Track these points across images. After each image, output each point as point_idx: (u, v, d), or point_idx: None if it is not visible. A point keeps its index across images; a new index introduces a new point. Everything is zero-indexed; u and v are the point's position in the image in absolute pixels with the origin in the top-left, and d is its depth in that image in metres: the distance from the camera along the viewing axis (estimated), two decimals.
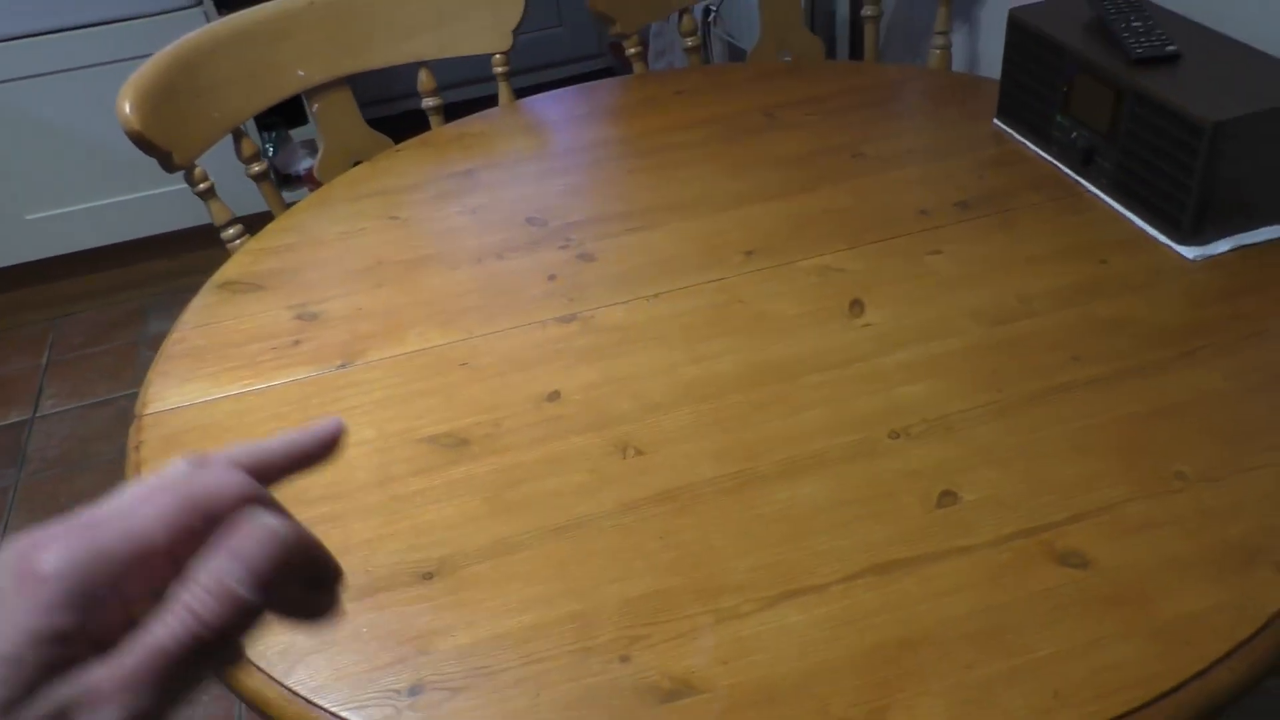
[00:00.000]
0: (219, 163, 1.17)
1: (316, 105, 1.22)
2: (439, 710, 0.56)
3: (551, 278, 0.93)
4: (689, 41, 1.40)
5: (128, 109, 1.01)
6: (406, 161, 1.15)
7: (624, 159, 1.12)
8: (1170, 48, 0.91)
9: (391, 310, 0.91)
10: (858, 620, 0.60)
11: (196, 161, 1.09)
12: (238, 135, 1.15)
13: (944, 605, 0.60)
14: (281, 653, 0.61)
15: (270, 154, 2.21)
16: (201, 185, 1.09)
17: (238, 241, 1.12)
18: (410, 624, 0.62)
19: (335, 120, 1.23)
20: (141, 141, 1.01)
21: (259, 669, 0.60)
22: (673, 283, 0.91)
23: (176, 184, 1.97)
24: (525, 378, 0.81)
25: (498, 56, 1.29)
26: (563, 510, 0.69)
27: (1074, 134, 0.98)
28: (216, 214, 1.11)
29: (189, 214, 2.10)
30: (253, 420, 0.80)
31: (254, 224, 1.14)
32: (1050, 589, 0.61)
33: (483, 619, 0.62)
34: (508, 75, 1.30)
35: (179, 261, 2.23)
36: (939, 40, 1.36)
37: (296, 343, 0.88)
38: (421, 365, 0.84)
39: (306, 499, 0.71)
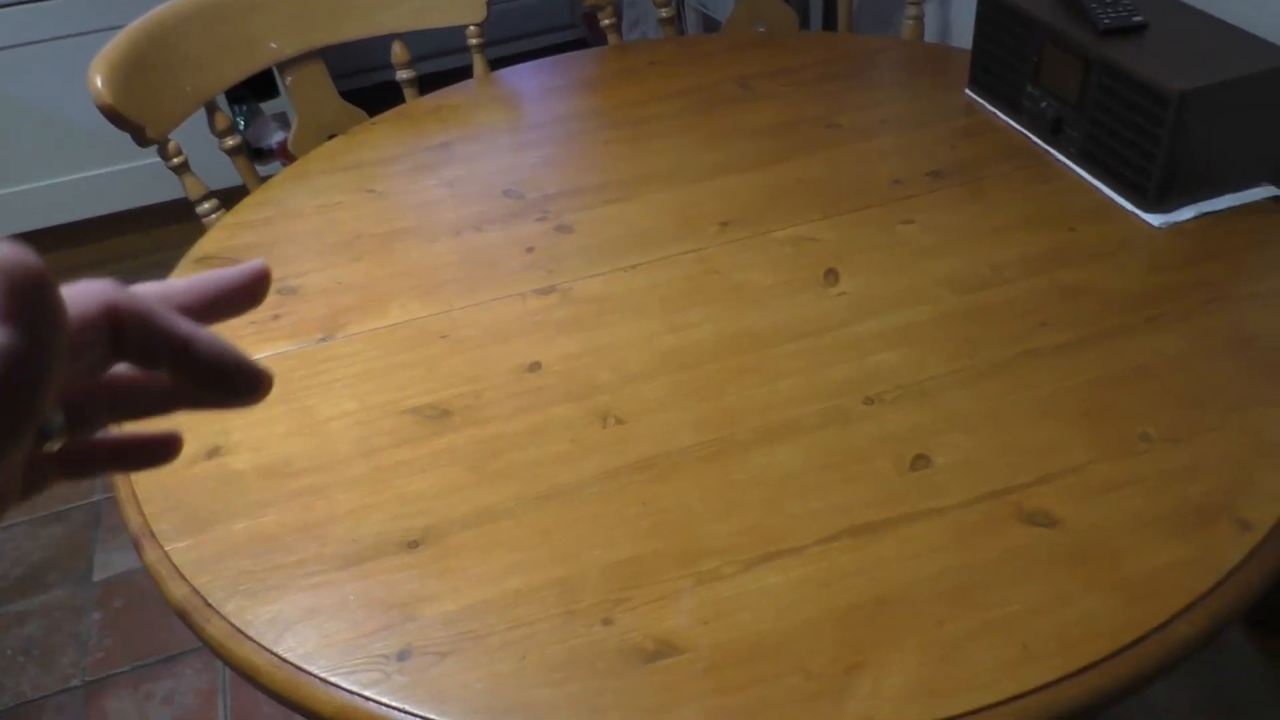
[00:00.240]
0: (191, 137, 1.16)
1: (289, 78, 1.21)
2: (427, 674, 0.58)
3: (530, 250, 0.94)
4: (663, 12, 1.40)
5: (99, 83, 1.00)
6: (382, 134, 1.15)
7: (600, 130, 1.12)
8: (1137, 18, 0.93)
9: (371, 283, 0.91)
10: (834, 581, 0.62)
11: (170, 136, 1.08)
12: (211, 109, 1.14)
13: (917, 565, 0.62)
14: (270, 621, 0.62)
15: (242, 127, 2.19)
16: (175, 160, 1.09)
17: (213, 216, 1.11)
18: (397, 591, 0.63)
19: (309, 93, 1.23)
20: (114, 116, 1.01)
21: (248, 637, 0.61)
22: (650, 254, 0.92)
23: (147, 158, 1.96)
24: (505, 349, 0.82)
25: (472, 28, 1.29)
26: (545, 479, 0.70)
27: (1044, 104, 1.00)
28: (191, 189, 1.11)
29: (161, 189, 2.08)
30: None
31: (228, 198, 1.14)
32: (1019, 548, 0.63)
33: (468, 585, 0.63)
34: (482, 47, 1.29)
35: (151, 237, 2.21)
36: (911, 11, 1.37)
37: (276, 317, 0.88)
38: (402, 338, 0.84)
39: (290, 471, 0.72)
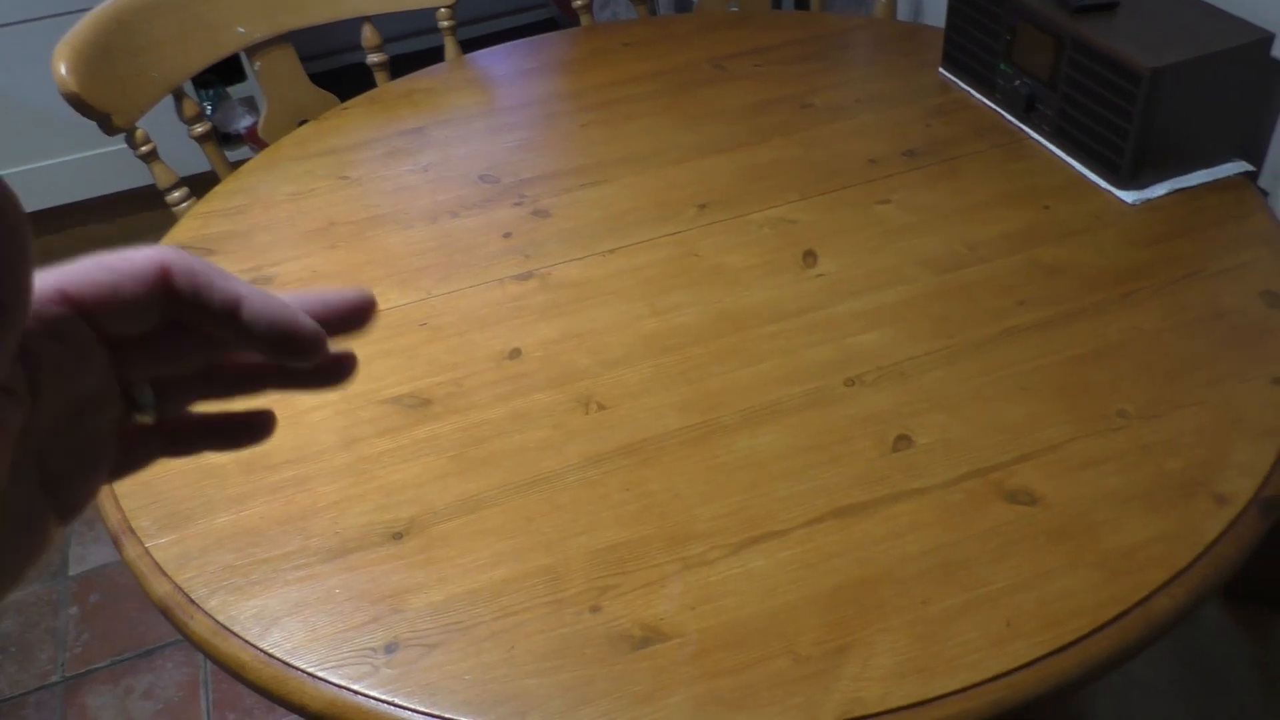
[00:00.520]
0: (156, 123, 1.14)
1: (258, 63, 1.20)
2: (415, 666, 0.58)
3: (507, 235, 0.93)
4: None
5: (63, 70, 0.98)
6: (355, 119, 1.13)
7: (575, 113, 1.12)
8: None
9: (347, 271, 0.90)
10: (820, 562, 0.62)
11: (137, 124, 1.06)
12: (178, 95, 1.12)
13: (901, 545, 0.63)
14: (255, 616, 0.61)
15: (209, 112, 2.16)
16: (143, 148, 1.07)
17: (184, 205, 1.10)
18: (383, 583, 0.63)
19: (278, 78, 1.21)
20: (79, 104, 0.99)
21: (233, 633, 0.60)
22: (628, 237, 0.92)
23: (111, 145, 1.92)
24: (485, 336, 0.82)
25: (443, 10, 1.27)
26: (528, 466, 0.70)
27: (1017, 82, 1.00)
28: (160, 177, 1.09)
29: (127, 175, 2.05)
30: None
31: (196, 185, 1.12)
32: (1000, 526, 0.63)
33: (454, 575, 0.63)
34: (454, 29, 1.28)
35: (117, 225, 2.17)
36: None
37: None
38: (381, 326, 0.84)
39: (271, 463, 0.71)
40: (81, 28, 1.02)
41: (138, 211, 2.12)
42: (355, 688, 0.57)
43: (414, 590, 0.62)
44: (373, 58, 1.26)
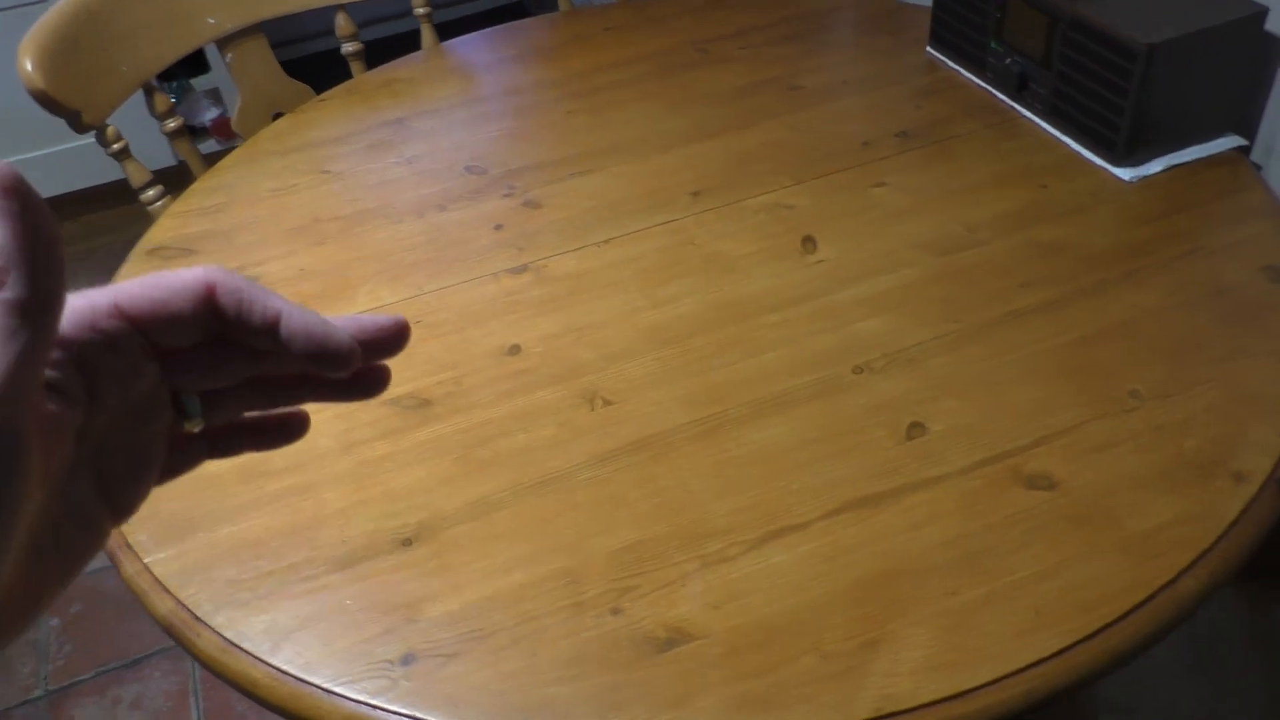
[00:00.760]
0: (118, 118, 1.09)
1: (230, 55, 1.16)
2: (434, 677, 0.56)
3: (498, 228, 0.91)
4: None
5: (29, 66, 0.94)
6: (333, 111, 1.10)
7: (559, 101, 1.09)
8: None
9: (335, 268, 0.88)
10: (840, 556, 0.61)
11: (108, 120, 1.03)
12: (149, 90, 1.09)
13: (922, 535, 0.62)
14: (264, 631, 0.59)
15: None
16: (115, 146, 1.03)
17: (159, 203, 1.06)
18: (395, 592, 0.61)
19: (251, 70, 1.18)
20: (47, 101, 0.95)
21: (242, 650, 0.59)
22: (622, 227, 0.90)
23: (75, 140, 1.87)
24: (482, 332, 0.80)
25: None
26: (537, 465, 0.68)
27: (1008, 60, 0.99)
28: (133, 175, 1.05)
29: (91, 172, 1.99)
30: None
31: (166, 180, 1.09)
32: (1021, 512, 0.63)
33: (469, 582, 0.61)
34: (430, 16, 1.25)
35: (81, 224, 2.12)
36: None
37: None
38: None
39: (270, 470, 0.69)
40: (47, 21, 0.98)
41: (99, 209, 2.07)
42: (374, 702, 0.55)
43: (428, 599, 0.60)
44: (347, 47, 1.23)
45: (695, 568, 0.61)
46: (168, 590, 0.62)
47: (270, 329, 0.31)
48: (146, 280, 0.31)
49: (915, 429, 0.69)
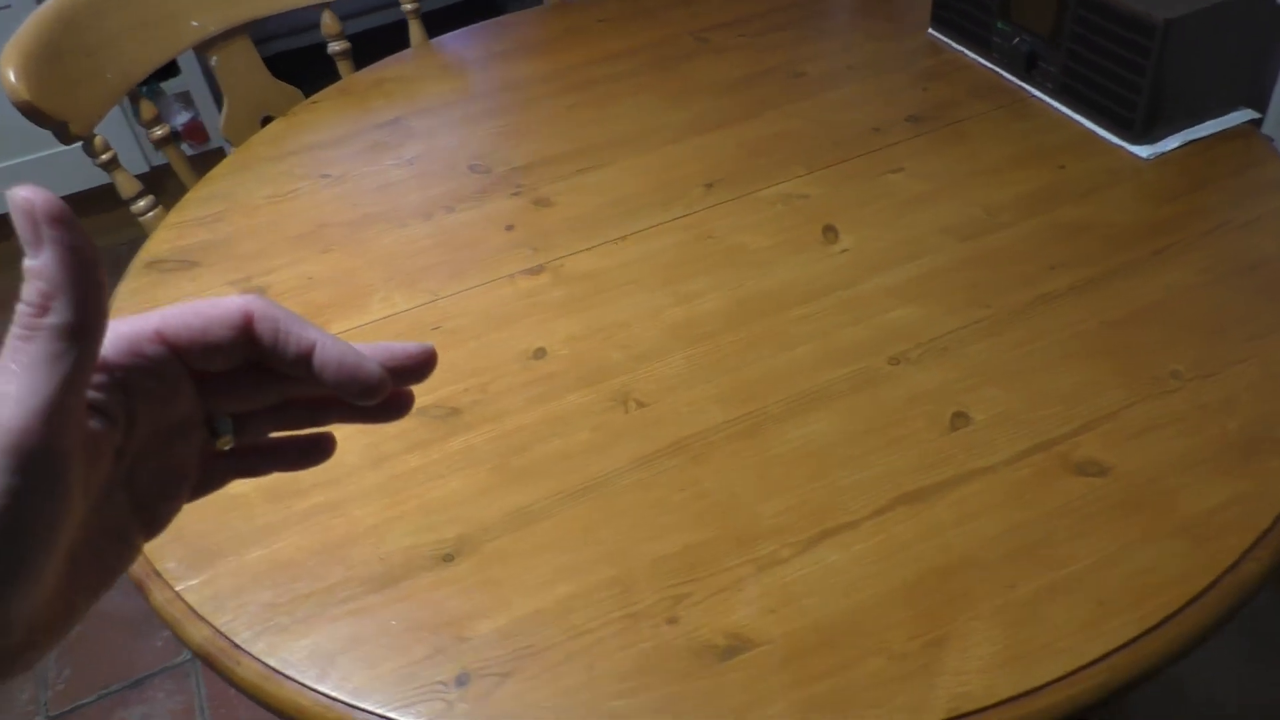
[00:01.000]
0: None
1: (215, 58, 1.13)
2: (492, 697, 0.54)
3: (509, 228, 0.89)
4: None
5: (12, 77, 0.91)
6: (326, 113, 1.07)
7: (558, 95, 1.07)
8: None
9: (345, 276, 0.85)
10: (896, 552, 0.60)
11: (95, 130, 0.99)
12: (134, 97, 1.06)
13: (976, 528, 0.61)
14: (308, 656, 0.57)
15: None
16: (104, 156, 1.00)
17: (151, 214, 1.03)
18: (441, 610, 0.59)
19: (238, 73, 1.14)
20: (33, 112, 0.92)
21: (287, 677, 0.56)
22: (637, 222, 0.88)
23: (56, 147, 1.81)
24: (505, 336, 0.78)
25: None
26: (576, 472, 0.66)
27: (1016, 40, 0.98)
28: (123, 186, 1.02)
29: (74, 178, 1.93)
30: None
31: (151, 185, 1.05)
32: (1074, 500, 0.62)
33: (517, 596, 0.59)
34: (418, 13, 1.22)
35: None
36: None
37: None
38: (391, 334, 0.79)
39: (299, 489, 0.67)
40: (27, 29, 0.94)
41: (97, 213, 2.01)
42: None
43: (476, 615, 0.58)
44: (334, 46, 1.20)
45: (749, 572, 0.59)
46: (202, 618, 0.60)
47: (304, 358, 0.32)
48: (187, 307, 0.32)
49: (959, 419, 0.67)
